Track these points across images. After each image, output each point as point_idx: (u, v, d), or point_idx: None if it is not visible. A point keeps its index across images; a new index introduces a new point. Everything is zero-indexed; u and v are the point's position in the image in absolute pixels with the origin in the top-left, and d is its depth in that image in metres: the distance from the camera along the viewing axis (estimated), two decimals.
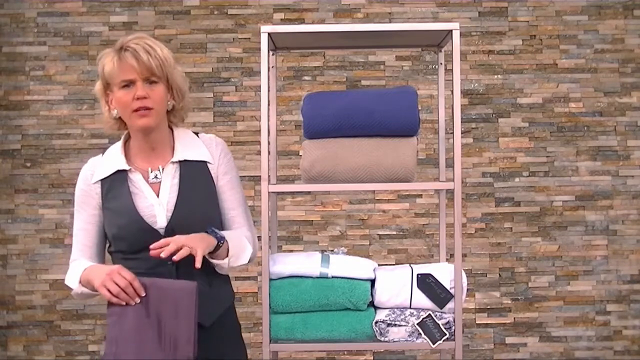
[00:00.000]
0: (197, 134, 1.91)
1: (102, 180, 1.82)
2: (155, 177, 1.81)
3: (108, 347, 1.64)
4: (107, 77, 1.78)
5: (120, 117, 1.81)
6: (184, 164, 1.83)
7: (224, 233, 1.78)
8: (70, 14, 3.67)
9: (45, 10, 3.66)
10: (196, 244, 1.65)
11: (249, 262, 1.86)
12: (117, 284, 1.63)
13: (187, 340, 1.62)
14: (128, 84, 1.75)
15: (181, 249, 1.62)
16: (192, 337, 1.62)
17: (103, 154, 1.87)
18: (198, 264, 1.62)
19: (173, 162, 1.82)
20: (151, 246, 1.64)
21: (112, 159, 1.83)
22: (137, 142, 1.83)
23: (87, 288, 1.75)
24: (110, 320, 1.65)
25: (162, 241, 1.65)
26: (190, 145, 1.86)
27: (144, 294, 1.64)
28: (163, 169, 1.82)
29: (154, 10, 3.67)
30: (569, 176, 3.67)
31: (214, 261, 1.75)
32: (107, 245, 1.87)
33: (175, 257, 1.62)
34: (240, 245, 1.81)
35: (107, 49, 1.81)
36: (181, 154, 1.83)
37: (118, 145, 1.86)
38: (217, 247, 1.72)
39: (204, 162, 1.86)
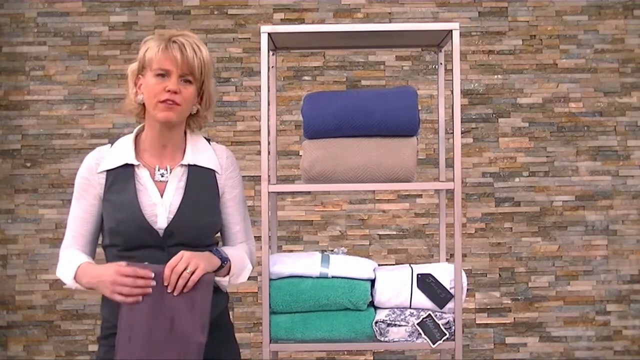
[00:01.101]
0: (208, 140, 1.91)
1: (107, 171, 1.80)
2: (162, 175, 1.80)
3: (122, 332, 1.64)
4: (146, 61, 1.76)
5: (142, 104, 1.80)
6: (192, 169, 1.82)
7: (227, 251, 1.80)
8: (70, 14, 3.67)
9: (45, 10, 3.67)
10: (200, 262, 1.67)
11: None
12: (124, 285, 1.63)
13: (201, 330, 1.63)
14: (164, 74, 1.74)
15: (186, 268, 1.65)
16: (205, 328, 1.64)
17: (112, 145, 1.85)
18: (191, 284, 1.64)
19: (182, 165, 1.81)
20: (168, 265, 1.65)
21: (121, 152, 1.81)
22: (150, 135, 1.82)
23: (81, 285, 1.75)
24: (125, 307, 1.66)
25: (176, 258, 1.66)
26: (202, 151, 1.86)
27: (152, 278, 1.64)
28: (171, 170, 1.81)
29: (154, 10, 3.67)
30: (569, 176, 3.67)
31: (215, 279, 1.76)
32: (101, 239, 1.86)
33: (176, 291, 1.64)
34: (241, 265, 1.84)
35: (155, 36, 1.80)
36: (191, 157, 1.83)
37: (129, 138, 1.84)
38: (220, 267, 1.75)
39: (212, 171, 1.85)
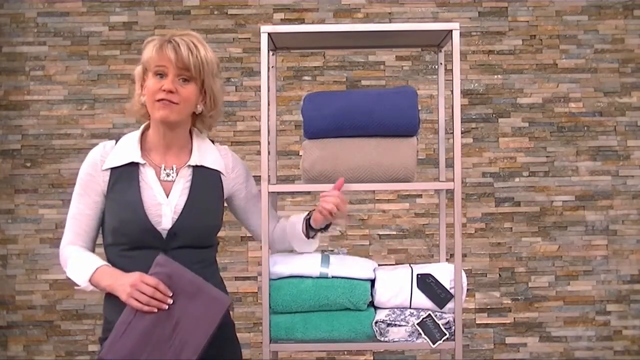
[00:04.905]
0: (212, 142, 1.92)
1: (112, 169, 1.78)
2: (167, 175, 1.80)
3: (126, 315, 1.65)
4: (145, 62, 1.78)
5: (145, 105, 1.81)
6: (198, 169, 1.83)
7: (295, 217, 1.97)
8: (70, 14, 3.67)
9: (45, 10, 3.67)
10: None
11: None
12: (144, 293, 1.63)
13: (196, 347, 1.63)
14: (162, 74, 1.75)
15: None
16: (201, 346, 1.63)
17: (116, 141, 1.83)
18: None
19: (189, 166, 1.82)
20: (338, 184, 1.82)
21: (127, 149, 1.80)
22: (155, 135, 1.82)
23: (97, 287, 1.74)
24: None
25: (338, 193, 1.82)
26: (208, 152, 1.86)
27: (170, 301, 1.65)
28: (177, 170, 1.81)
29: (154, 10, 3.67)
30: (569, 176, 3.67)
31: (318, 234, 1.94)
32: (102, 238, 1.84)
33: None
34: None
35: (155, 37, 1.82)
36: (198, 158, 1.83)
37: (134, 135, 1.83)
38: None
39: (218, 172, 1.86)
